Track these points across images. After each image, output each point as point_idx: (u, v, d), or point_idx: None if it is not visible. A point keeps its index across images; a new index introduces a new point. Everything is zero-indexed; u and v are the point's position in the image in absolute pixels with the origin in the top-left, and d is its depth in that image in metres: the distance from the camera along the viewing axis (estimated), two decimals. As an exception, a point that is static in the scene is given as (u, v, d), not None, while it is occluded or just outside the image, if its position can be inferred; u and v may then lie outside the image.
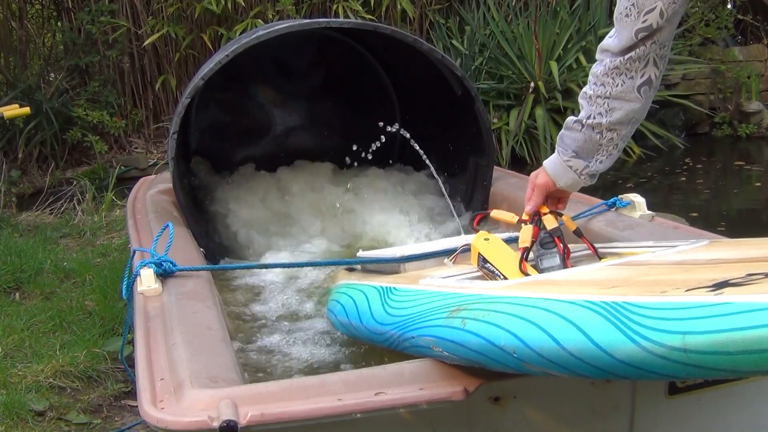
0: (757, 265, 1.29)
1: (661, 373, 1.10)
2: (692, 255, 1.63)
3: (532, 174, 2.04)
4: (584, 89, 1.88)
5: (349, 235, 3.41)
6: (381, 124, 3.42)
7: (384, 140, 3.45)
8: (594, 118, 1.85)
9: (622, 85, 1.80)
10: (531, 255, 1.92)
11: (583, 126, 1.87)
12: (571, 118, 1.92)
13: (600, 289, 1.32)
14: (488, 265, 1.89)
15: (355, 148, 3.50)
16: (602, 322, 1.17)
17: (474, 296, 1.56)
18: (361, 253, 2.42)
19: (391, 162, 3.85)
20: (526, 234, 1.93)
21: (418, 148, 3.31)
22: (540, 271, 1.87)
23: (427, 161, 3.34)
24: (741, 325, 1.01)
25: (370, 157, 3.51)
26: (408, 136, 3.33)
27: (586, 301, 1.24)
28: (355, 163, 3.65)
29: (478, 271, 1.94)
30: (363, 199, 3.59)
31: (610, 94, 1.82)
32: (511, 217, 2.10)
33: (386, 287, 1.92)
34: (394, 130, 3.39)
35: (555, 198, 2.04)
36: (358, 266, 2.44)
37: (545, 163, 2.00)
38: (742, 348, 1.01)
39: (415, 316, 1.65)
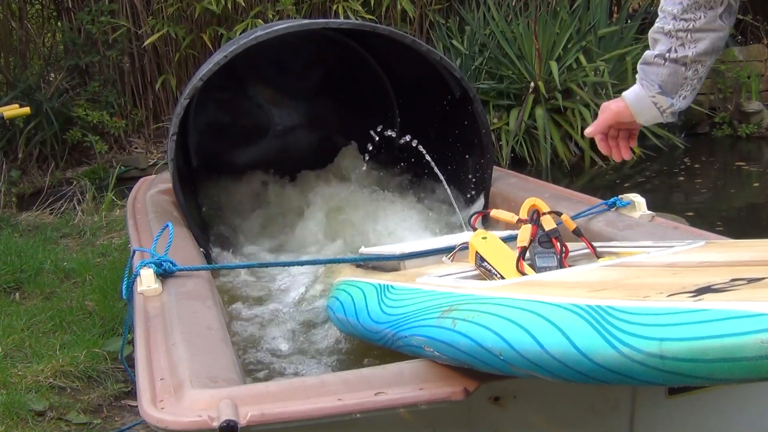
0: (744, 270, 1.29)
1: (640, 379, 1.10)
2: (685, 257, 1.63)
3: (605, 103, 1.91)
4: (657, 26, 1.78)
5: (350, 236, 3.41)
6: (388, 132, 3.40)
7: (377, 141, 3.44)
8: (676, 51, 1.76)
9: (704, 17, 1.72)
10: (529, 254, 1.92)
11: (665, 60, 1.77)
12: (649, 53, 1.81)
13: (587, 292, 1.33)
14: (485, 263, 1.89)
15: (368, 152, 3.48)
16: (584, 325, 1.17)
17: (466, 296, 1.56)
18: (362, 251, 2.43)
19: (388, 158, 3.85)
20: (524, 233, 1.93)
21: (429, 158, 3.29)
22: (537, 270, 1.87)
23: (435, 168, 3.32)
24: (717, 333, 1.00)
25: (366, 157, 3.50)
26: (417, 144, 3.30)
27: (571, 303, 1.24)
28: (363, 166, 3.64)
29: (475, 269, 1.95)
30: (364, 200, 3.59)
31: (692, 27, 1.73)
32: (510, 217, 2.11)
33: (384, 285, 1.93)
34: (403, 139, 3.36)
35: (626, 131, 1.91)
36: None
37: (626, 94, 1.87)
38: (718, 356, 1.00)
39: (408, 315, 1.65)
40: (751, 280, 1.18)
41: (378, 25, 3.59)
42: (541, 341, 1.21)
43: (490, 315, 1.36)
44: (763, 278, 1.19)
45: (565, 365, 1.18)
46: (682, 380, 1.06)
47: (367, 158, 3.52)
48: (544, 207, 2.01)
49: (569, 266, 1.86)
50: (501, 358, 1.28)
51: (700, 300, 1.10)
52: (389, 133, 3.41)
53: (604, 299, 1.21)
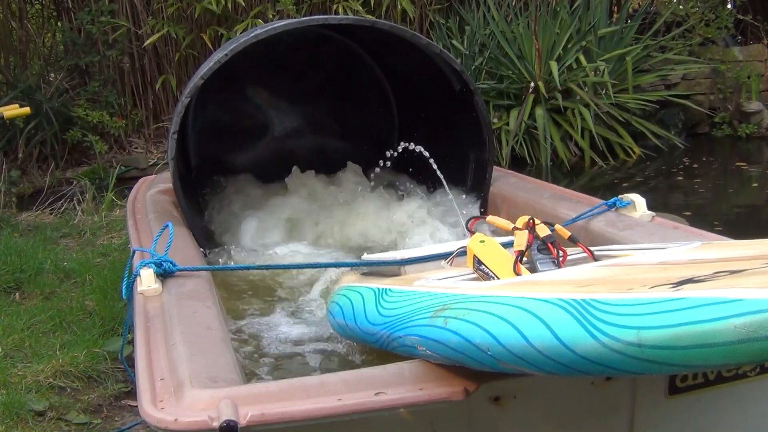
0: (729, 264, 1.30)
1: (619, 368, 1.11)
2: (677, 256, 1.64)
3: None
4: None
5: (352, 240, 3.40)
6: (396, 151, 3.40)
7: (388, 163, 3.44)
8: None
9: None
10: (528, 259, 1.93)
11: None
12: None
13: (574, 287, 1.34)
14: (483, 267, 1.90)
15: (381, 163, 3.49)
16: (567, 318, 1.18)
17: (459, 296, 1.57)
18: (365, 256, 2.43)
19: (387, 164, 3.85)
20: (521, 238, 1.94)
21: (436, 168, 3.28)
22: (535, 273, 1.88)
23: (439, 173, 3.31)
24: (692, 320, 1.02)
25: (373, 178, 3.51)
26: (426, 154, 3.29)
27: (556, 298, 1.25)
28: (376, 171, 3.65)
29: (473, 273, 1.95)
30: (364, 203, 3.58)
31: None
32: (505, 224, 2.12)
33: (382, 289, 1.93)
34: (406, 146, 3.35)
35: None
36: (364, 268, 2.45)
37: None
38: (694, 342, 1.01)
39: (403, 316, 1.66)
40: (733, 272, 1.20)
41: (378, 20, 3.58)
42: (526, 334, 1.23)
43: (480, 312, 1.37)
44: (745, 269, 1.20)
45: (549, 358, 1.19)
46: (661, 369, 1.07)
47: (373, 181, 3.53)
48: (538, 221, 2.02)
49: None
50: (489, 353, 1.29)
51: (679, 290, 1.11)
52: (391, 153, 3.41)
53: (589, 293, 1.22)
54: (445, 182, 3.36)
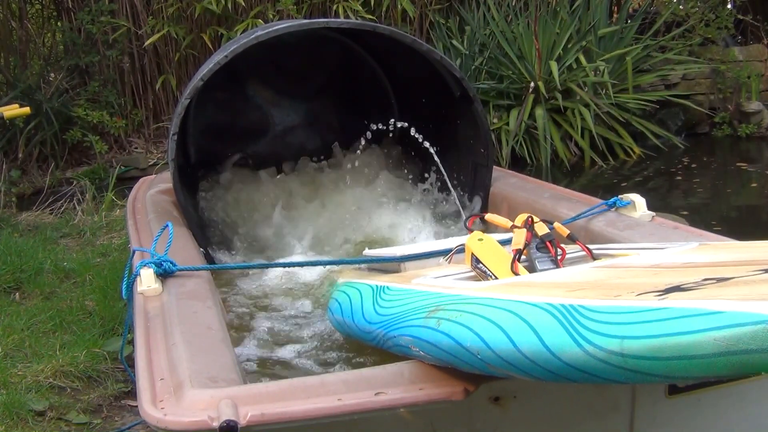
0: (719, 270, 1.30)
1: (605, 377, 1.10)
2: (672, 258, 1.64)
3: None
4: None
5: (353, 238, 3.40)
6: (392, 123, 3.45)
7: (376, 127, 3.47)
8: None
9: None
10: (526, 257, 1.93)
11: None
12: None
13: (565, 292, 1.33)
14: (481, 265, 1.90)
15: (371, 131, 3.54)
16: (555, 324, 1.18)
17: (453, 296, 1.57)
18: (366, 252, 2.43)
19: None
20: (519, 237, 1.94)
21: (435, 156, 3.29)
22: (534, 272, 1.87)
23: (436, 157, 3.33)
24: (673, 331, 1.01)
25: (361, 146, 3.53)
26: (428, 145, 3.33)
27: (546, 303, 1.25)
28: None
29: (471, 271, 1.95)
30: (365, 200, 3.58)
31: None
32: (504, 222, 2.12)
33: (380, 286, 1.93)
34: (397, 125, 3.39)
35: None
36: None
37: None
38: (674, 353, 1.00)
39: (399, 315, 1.66)
40: (720, 279, 1.19)
41: (378, 24, 3.58)
42: (514, 340, 1.22)
43: (472, 315, 1.37)
44: (732, 277, 1.20)
45: (536, 364, 1.19)
46: (644, 379, 1.06)
47: (361, 148, 3.55)
48: (536, 219, 2.02)
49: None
50: (479, 357, 1.29)
51: (664, 299, 1.10)
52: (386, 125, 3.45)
53: (578, 299, 1.22)
54: (446, 175, 3.36)
